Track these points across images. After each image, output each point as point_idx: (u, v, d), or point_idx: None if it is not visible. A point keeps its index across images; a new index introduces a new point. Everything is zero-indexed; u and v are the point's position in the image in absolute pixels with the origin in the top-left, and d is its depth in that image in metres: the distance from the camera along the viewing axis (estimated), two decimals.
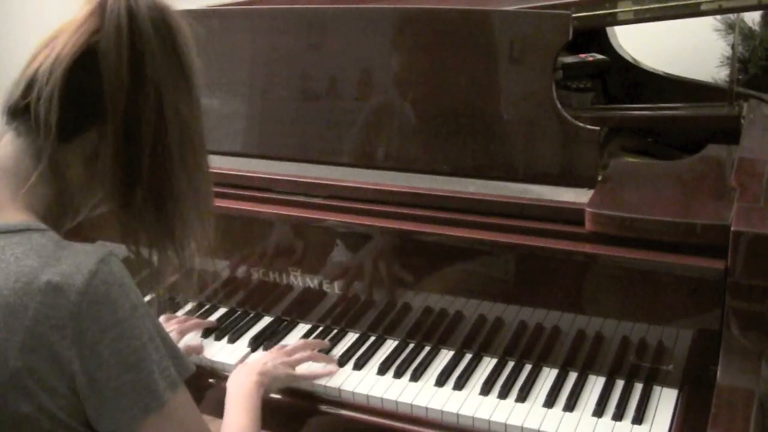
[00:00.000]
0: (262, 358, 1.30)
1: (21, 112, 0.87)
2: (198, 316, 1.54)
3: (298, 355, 1.33)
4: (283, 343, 1.44)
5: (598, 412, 1.20)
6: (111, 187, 0.88)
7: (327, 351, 1.40)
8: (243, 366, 1.28)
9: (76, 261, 0.81)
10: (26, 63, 0.88)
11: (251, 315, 1.53)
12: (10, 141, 0.89)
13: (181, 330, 1.43)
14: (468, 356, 1.36)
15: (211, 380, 1.39)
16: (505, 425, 1.19)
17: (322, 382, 1.31)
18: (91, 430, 0.85)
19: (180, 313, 1.56)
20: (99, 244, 0.85)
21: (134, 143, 0.86)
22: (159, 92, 0.86)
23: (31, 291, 0.79)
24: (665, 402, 1.21)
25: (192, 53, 0.91)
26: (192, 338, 1.45)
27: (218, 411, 1.32)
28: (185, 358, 0.91)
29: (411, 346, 1.40)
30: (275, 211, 1.43)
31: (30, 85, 0.86)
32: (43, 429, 0.82)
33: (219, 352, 1.43)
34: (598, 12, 1.48)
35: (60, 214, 0.92)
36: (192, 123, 0.91)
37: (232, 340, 1.45)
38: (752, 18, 2.13)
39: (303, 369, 1.33)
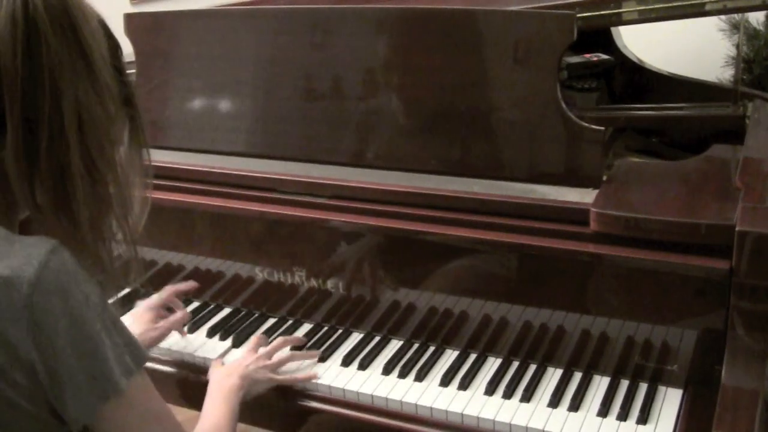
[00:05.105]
0: (243, 359, 1.31)
1: None
2: (202, 316, 1.54)
3: (278, 357, 1.35)
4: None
5: (603, 412, 1.20)
6: (16, 180, 0.85)
7: (303, 345, 1.43)
8: (225, 366, 1.30)
9: (26, 253, 0.83)
10: None
11: (256, 315, 1.54)
12: None
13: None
14: (473, 356, 1.36)
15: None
16: (510, 425, 1.19)
17: (326, 382, 1.32)
18: (57, 418, 0.87)
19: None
20: (46, 238, 0.85)
21: (32, 134, 0.84)
22: (54, 78, 0.83)
23: None
24: (670, 402, 1.21)
25: (93, 35, 0.87)
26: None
27: None
28: (141, 348, 0.92)
29: (415, 346, 1.40)
30: (279, 211, 1.44)
31: None
32: (5, 418, 0.84)
33: (221, 352, 1.43)
34: (602, 12, 1.48)
35: (6, 205, 0.90)
36: (93, 108, 0.87)
37: (236, 343, 1.46)
38: (757, 18, 2.13)
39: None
